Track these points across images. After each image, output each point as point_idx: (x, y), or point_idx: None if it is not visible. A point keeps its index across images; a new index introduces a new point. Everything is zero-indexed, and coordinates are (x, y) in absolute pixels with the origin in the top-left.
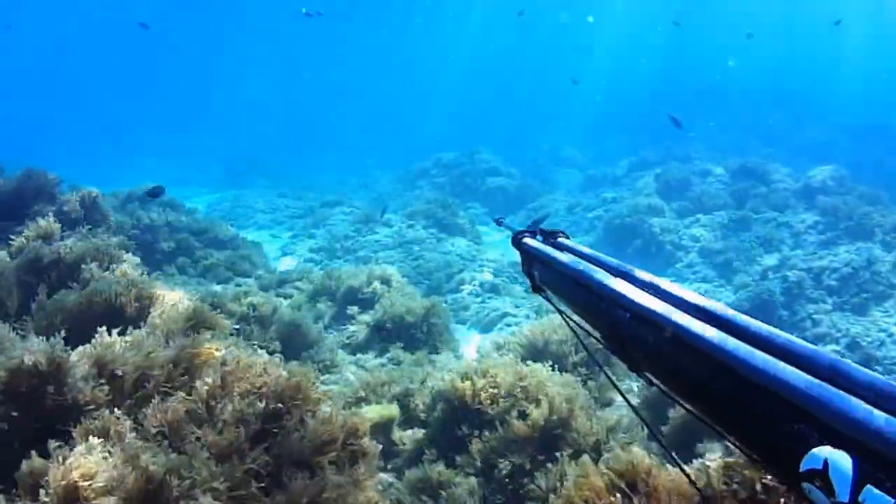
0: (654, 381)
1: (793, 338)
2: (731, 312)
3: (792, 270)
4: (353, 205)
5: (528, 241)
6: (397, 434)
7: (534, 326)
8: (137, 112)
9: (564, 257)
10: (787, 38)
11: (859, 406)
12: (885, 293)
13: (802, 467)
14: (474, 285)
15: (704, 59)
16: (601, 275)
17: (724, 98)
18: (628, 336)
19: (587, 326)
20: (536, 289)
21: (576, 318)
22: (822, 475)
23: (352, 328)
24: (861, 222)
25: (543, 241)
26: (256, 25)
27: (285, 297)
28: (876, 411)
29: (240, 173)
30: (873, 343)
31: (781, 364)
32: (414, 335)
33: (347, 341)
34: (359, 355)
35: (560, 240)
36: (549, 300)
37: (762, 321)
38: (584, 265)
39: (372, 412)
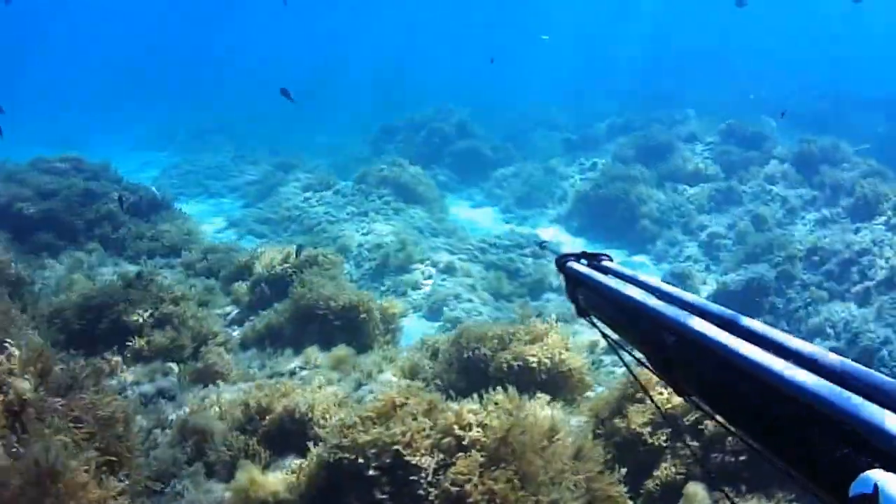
0: (701, 405)
1: (846, 359)
2: (777, 333)
3: (784, 251)
4: (309, 171)
5: (573, 264)
6: None
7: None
8: (107, 74)
9: (608, 280)
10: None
11: None
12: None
13: (852, 491)
14: (427, 265)
15: (700, 21)
16: (645, 297)
17: (721, 63)
18: (674, 360)
19: (633, 350)
20: (581, 313)
21: (619, 339)
22: (871, 499)
23: (256, 322)
24: (866, 199)
25: (588, 265)
26: None
27: (208, 275)
28: None
29: (204, 137)
30: (876, 340)
31: (832, 386)
32: (336, 329)
33: (250, 334)
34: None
35: (604, 263)
36: (594, 324)
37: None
38: (628, 288)
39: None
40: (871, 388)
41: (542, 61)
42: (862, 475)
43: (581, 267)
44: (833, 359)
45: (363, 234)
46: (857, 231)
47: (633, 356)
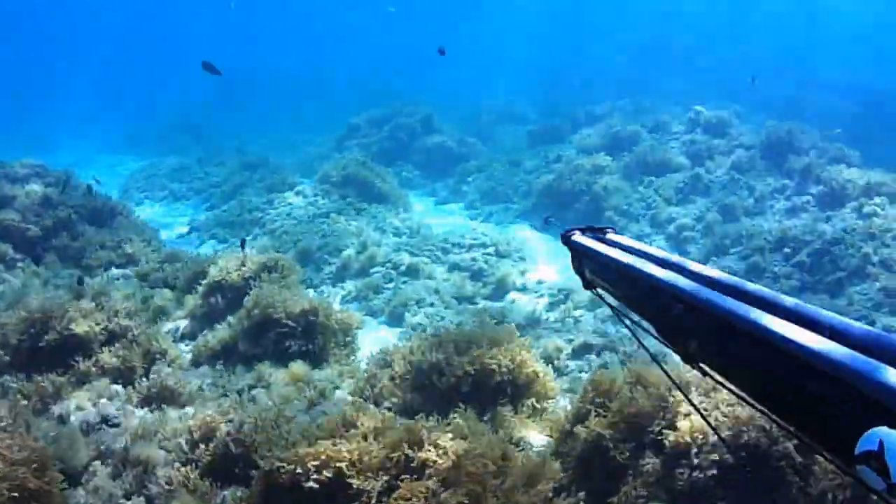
0: (709, 371)
1: (849, 321)
2: (780, 297)
3: (754, 242)
4: (274, 171)
5: (578, 237)
6: None
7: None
8: (79, 73)
9: (614, 253)
10: None
11: None
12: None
13: (858, 449)
14: (388, 267)
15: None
16: (652, 268)
17: (682, 51)
18: (682, 328)
19: (640, 320)
20: (588, 285)
21: (628, 312)
22: (877, 456)
23: (209, 336)
24: (835, 186)
25: (593, 237)
26: None
27: (164, 285)
28: None
29: (172, 138)
30: None
31: (835, 346)
32: (291, 341)
33: (203, 350)
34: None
35: (609, 235)
36: (600, 297)
37: None
38: (633, 259)
39: None
40: (869, 347)
41: (506, 55)
42: (867, 433)
43: (586, 240)
44: (840, 321)
45: (323, 236)
46: (827, 220)
47: (641, 326)
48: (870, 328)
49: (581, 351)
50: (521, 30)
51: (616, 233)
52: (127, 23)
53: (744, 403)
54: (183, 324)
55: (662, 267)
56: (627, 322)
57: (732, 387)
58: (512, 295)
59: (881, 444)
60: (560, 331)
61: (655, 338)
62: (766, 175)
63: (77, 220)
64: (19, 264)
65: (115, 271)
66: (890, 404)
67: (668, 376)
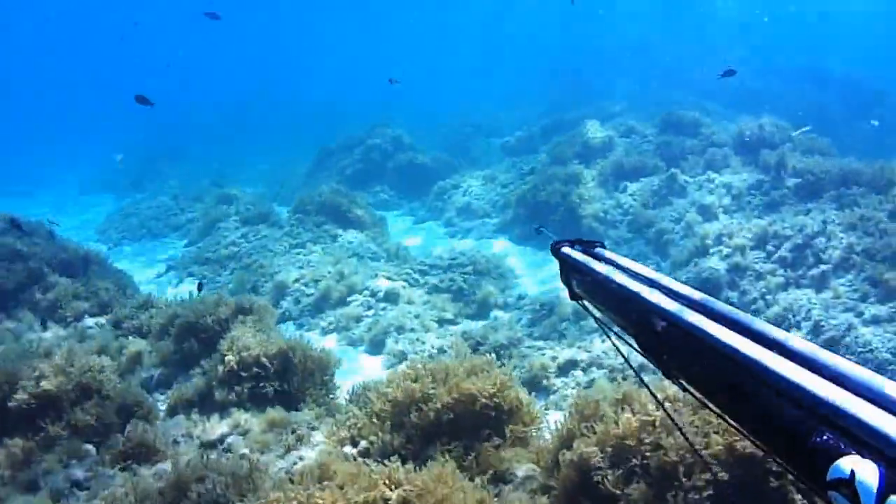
0: (688, 388)
1: (825, 351)
2: (762, 324)
3: (733, 240)
4: (249, 202)
5: (567, 250)
6: None
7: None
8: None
9: (601, 267)
10: None
11: (886, 417)
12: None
13: (829, 476)
14: (366, 295)
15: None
16: (636, 285)
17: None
18: (663, 344)
19: (623, 334)
20: (574, 297)
21: (612, 326)
22: (848, 484)
23: (184, 385)
24: (811, 176)
25: (582, 251)
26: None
27: (138, 331)
28: None
29: (149, 174)
30: (840, 327)
31: (812, 376)
32: (268, 384)
33: (177, 399)
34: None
35: (598, 250)
36: (585, 308)
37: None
38: (620, 275)
39: None
40: (844, 378)
41: (475, 68)
42: (838, 461)
43: (575, 253)
44: (812, 350)
45: (300, 267)
46: (807, 212)
47: (623, 339)
48: (847, 361)
49: (567, 367)
50: (487, 42)
51: (604, 247)
52: (109, 57)
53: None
54: (157, 372)
55: (647, 285)
56: (611, 335)
57: (711, 405)
58: (494, 312)
59: (853, 473)
60: (544, 348)
61: (637, 351)
62: (741, 171)
63: (49, 272)
64: None
65: (88, 321)
66: (861, 435)
67: (650, 391)
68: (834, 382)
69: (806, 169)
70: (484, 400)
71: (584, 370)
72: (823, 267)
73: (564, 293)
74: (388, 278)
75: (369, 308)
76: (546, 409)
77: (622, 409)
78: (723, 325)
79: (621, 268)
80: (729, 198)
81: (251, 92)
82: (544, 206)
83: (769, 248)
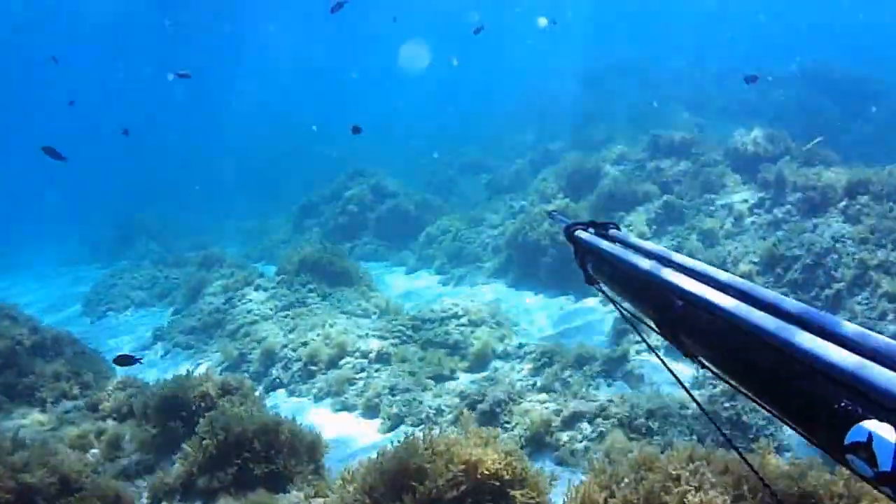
0: (706, 364)
1: (839, 319)
2: (774, 295)
3: (741, 267)
4: (232, 265)
5: (581, 233)
6: None
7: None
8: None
9: (616, 249)
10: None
11: None
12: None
13: (848, 440)
14: (357, 356)
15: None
16: (652, 265)
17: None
18: (681, 323)
19: (639, 315)
20: (589, 280)
21: (627, 306)
22: (865, 447)
23: (166, 473)
24: (815, 189)
25: (595, 234)
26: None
27: (118, 415)
28: None
29: (131, 241)
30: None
31: (827, 343)
32: (255, 466)
33: (159, 488)
34: None
35: (611, 231)
36: (602, 291)
37: None
38: (634, 256)
39: None
40: (860, 345)
41: (458, 102)
42: (857, 425)
43: (589, 236)
44: (831, 319)
45: (288, 331)
46: (814, 228)
47: (641, 320)
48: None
49: (572, 420)
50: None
51: (618, 228)
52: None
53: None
54: (138, 457)
55: (664, 264)
56: (627, 316)
57: (730, 380)
58: (494, 363)
59: (870, 435)
60: (547, 401)
61: (655, 331)
62: (740, 190)
63: (22, 353)
64: None
65: (66, 404)
66: (878, 399)
67: (675, 377)
68: (849, 349)
69: (808, 182)
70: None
71: (590, 422)
72: (837, 286)
73: (566, 339)
74: (380, 337)
75: (362, 370)
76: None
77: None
78: (738, 299)
79: (636, 248)
80: (731, 220)
81: (228, 146)
82: (536, 248)
83: (778, 271)
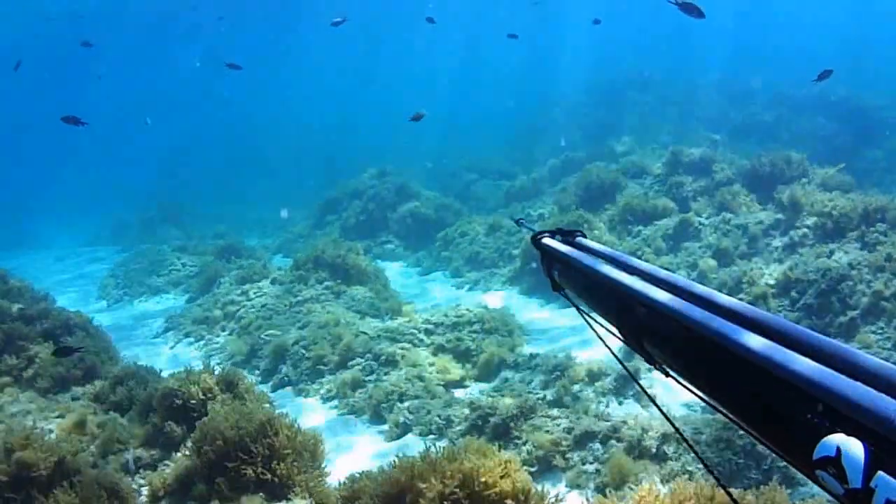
0: (672, 373)
1: (803, 328)
2: (743, 305)
3: (755, 289)
4: (250, 256)
5: (547, 241)
6: None
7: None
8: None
9: (582, 256)
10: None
11: (872, 394)
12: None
13: (816, 455)
14: (367, 358)
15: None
16: (618, 273)
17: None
18: (644, 330)
19: (605, 323)
20: (556, 287)
21: (595, 315)
22: (834, 462)
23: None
24: (832, 215)
25: (562, 241)
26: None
27: (119, 407)
28: (888, 399)
29: (153, 227)
30: None
31: (794, 354)
32: (250, 469)
33: (159, 485)
34: None
35: (578, 239)
36: (568, 298)
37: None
38: (600, 264)
39: None
40: (827, 356)
41: (478, 110)
42: (824, 440)
43: (556, 243)
44: (796, 329)
45: (300, 327)
46: (830, 254)
47: (605, 328)
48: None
49: (584, 440)
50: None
51: (584, 237)
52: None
53: None
54: (140, 452)
55: (629, 272)
56: (593, 323)
57: (695, 389)
58: (504, 373)
59: (838, 450)
60: (558, 417)
61: (620, 339)
62: (756, 210)
63: (32, 337)
64: None
65: (75, 390)
66: (845, 412)
67: (630, 374)
68: (816, 360)
69: (825, 207)
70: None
71: (602, 442)
72: (851, 314)
73: (576, 350)
74: (392, 339)
75: (371, 372)
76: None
77: None
78: (703, 307)
79: (603, 256)
80: (745, 240)
81: (253, 137)
82: None
83: (793, 294)
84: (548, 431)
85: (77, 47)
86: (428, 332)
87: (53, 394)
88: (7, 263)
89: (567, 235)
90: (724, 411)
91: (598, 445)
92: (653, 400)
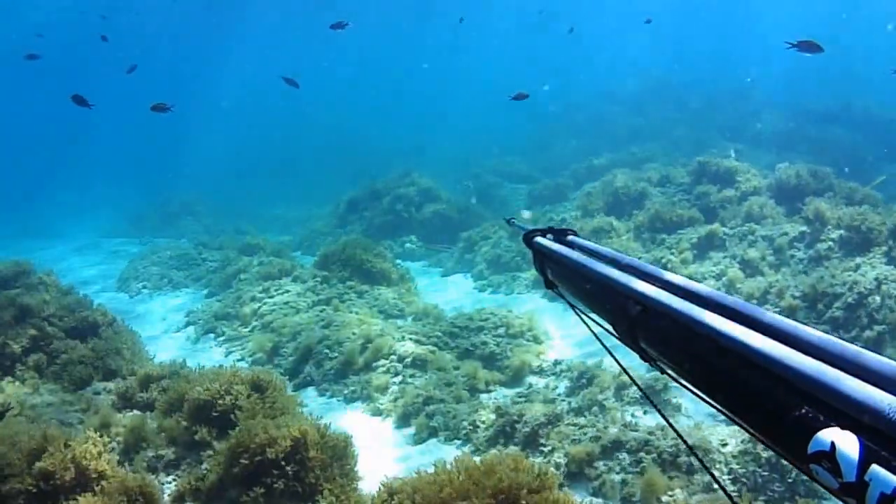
0: (666, 370)
1: (799, 324)
2: (737, 301)
3: (783, 302)
4: (272, 253)
5: (540, 239)
6: None
7: None
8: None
9: (575, 254)
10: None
11: (865, 388)
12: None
13: (810, 449)
14: (393, 360)
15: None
16: (609, 270)
17: (676, 93)
18: (640, 328)
19: (599, 320)
20: (549, 285)
21: (588, 311)
22: (829, 456)
23: (193, 473)
24: (859, 228)
25: (554, 240)
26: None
27: (145, 406)
28: (882, 393)
29: (174, 220)
30: None
31: (788, 349)
32: (280, 481)
33: (186, 489)
34: None
35: (570, 237)
36: (561, 296)
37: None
38: (593, 262)
39: None
40: (821, 351)
41: (499, 112)
42: (819, 434)
43: (548, 242)
44: (791, 325)
45: (324, 326)
46: (856, 268)
47: (600, 325)
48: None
49: (611, 449)
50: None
51: (576, 235)
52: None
53: None
54: (165, 452)
55: (622, 270)
56: (585, 319)
57: (689, 385)
58: (529, 379)
59: (833, 444)
60: (586, 426)
61: (614, 336)
62: (782, 222)
63: (57, 334)
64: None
65: (97, 385)
66: (839, 406)
67: (634, 381)
68: (810, 355)
69: (852, 221)
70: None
71: (630, 452)
72: (878, 328)
73: (602, 357)
74: (417, 341)
75: (396, 374)
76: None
77: None
78: (696, 303)
79: (595, 254)
80: (772, 251)
81: (277, 135)
82: None
83: (820, 307)
84: (575, 440)
85: (111, 42)
86: (453, 336)
87: (77, 389)
88: (27, 255)
89: (559, 234)
90: (720, 406)
91: (625, 455)
92: (657, 407)
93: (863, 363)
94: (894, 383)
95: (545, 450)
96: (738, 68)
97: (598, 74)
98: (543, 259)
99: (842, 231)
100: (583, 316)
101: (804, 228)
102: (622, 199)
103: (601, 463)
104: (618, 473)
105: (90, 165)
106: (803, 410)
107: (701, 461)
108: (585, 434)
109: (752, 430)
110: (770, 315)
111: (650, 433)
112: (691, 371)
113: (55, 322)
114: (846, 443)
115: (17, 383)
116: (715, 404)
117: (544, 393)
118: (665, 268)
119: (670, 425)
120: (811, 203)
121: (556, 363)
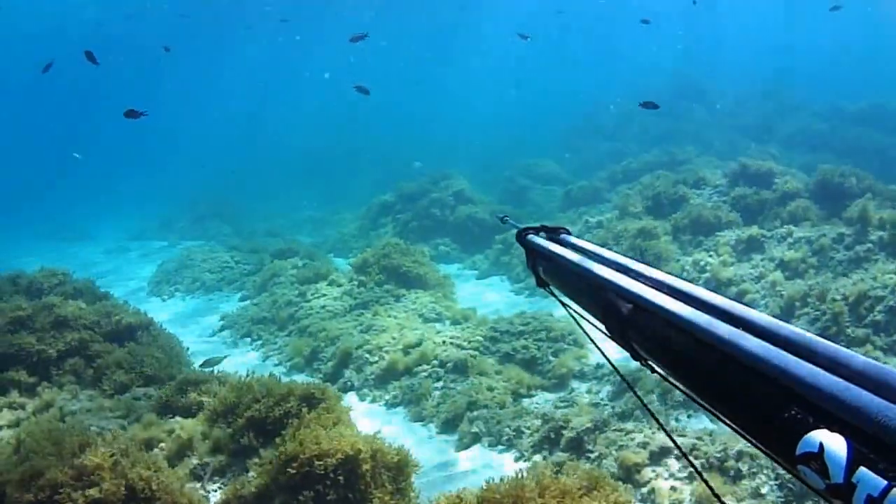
0: (656, 368)
1: (789, 325)
2: (727, 302)
3: (824, 303)
4: (307, 256)
5: (533, 237)
6: None
7: None
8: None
9: (567, 253)
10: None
11: (853, 390)
12: None
13: (799, 450)
14: (434, 365)
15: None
16: (603, 269)
17: (705, 94)
18: (630, 327)
19: (591, 318)
20: (541, 283)
21: (579, 309)
22: (817, 458)
23: (241, 481)
24: None
25: (547, 238)
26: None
27: (187, 412)
28: (870, 396)
29: (204, 222)
30: None
31: (777, 350)
32: (332, 492)
33: (231, 498)
34: None
35: (563, 236)
36: (553, 294)
37: None
38: (585, 260)
39: None
40: (811, 353)
41: (532, 113)
42: (807, 435)
43: (541, 240)
44: (781, 326)
45: (363, 331)
46: None
47: (591, 323)
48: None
49: (658, 455)
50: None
51: (569, 234)
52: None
53: None
54: (210, 459)
55: (613, 268)
56: (577, 317)
57: (679, 385)
58: (571, 383)
59: (821, 446)
60: (632, 432)
61: (605, 334)
62: (821, 224)
63: (94, 339)
64: (37, 388)
65: (138, 391)
66: (828, 408)
67: (626, 382)
68: (800, 357)
69: (892, 222)
70: None
71: (678, 458)
72: None
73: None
74: (458, 346)
75: (438, 379)
76: None
77: None
78: (688, 304)
79: (587, 253)
80: (811, 253)
81: (309, 136)
82: None
83: (860, 311)
84: (623, 446)
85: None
86: (494, 340)
87: (116, 394)
88: (58, 257)
89: (552, 232)
90: (708, 406)
91: (673, 461)
92: (651, 413)
93: (853, 366)
94: (883, 385)
95: (591, 456)
96: (767, 68)
97: (624, 75)
98: (536, 257)
99: (882, 232)
100: (574, 314)
101: (844, 230)
102: (663, 202)
103: (649, 469)
104: (665, 479)
105: (116, 167)
106: (792, 412)
107: (686, 457)
108: (633, 440)
109: (740, 431)
110: (760, 316)
111: (698, 438)
112: (680, 371)
113: (92, 327)
114: (834, 444)
115: (55, 388)
116: (704, 404)
117: (589, 397)
118: (704, 270)
119: (657, 421)
120: (853, 204)
121: (598, 367)
